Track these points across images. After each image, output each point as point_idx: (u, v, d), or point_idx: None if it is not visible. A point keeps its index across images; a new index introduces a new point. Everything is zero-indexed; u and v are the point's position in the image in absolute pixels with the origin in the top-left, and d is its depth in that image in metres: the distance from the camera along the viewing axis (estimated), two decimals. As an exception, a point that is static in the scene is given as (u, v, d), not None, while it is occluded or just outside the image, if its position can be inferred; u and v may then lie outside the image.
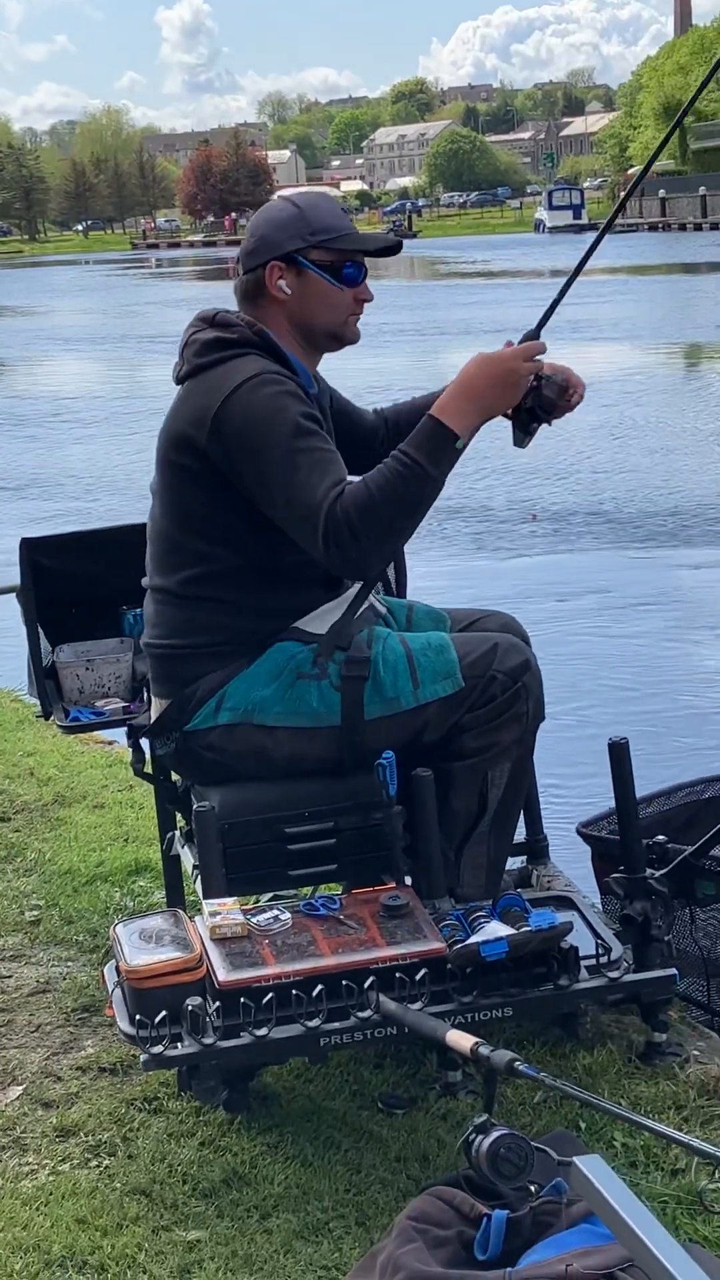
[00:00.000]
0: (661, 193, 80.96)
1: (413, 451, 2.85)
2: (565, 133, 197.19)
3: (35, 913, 3.97)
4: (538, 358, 2.94)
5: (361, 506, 2.82)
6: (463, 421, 2.87)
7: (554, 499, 12.42)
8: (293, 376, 2.98)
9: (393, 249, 3.14)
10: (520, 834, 3.43)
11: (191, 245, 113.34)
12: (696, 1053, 3.04)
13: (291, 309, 3.06)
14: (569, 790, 5.39)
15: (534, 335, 2.98)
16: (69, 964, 3.66)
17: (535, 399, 2.96)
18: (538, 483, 13.06)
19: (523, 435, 3.00)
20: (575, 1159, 1.56)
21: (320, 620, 3.04)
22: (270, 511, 2.92)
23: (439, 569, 9.84)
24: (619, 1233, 1.33)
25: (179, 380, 3.07)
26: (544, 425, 3.01)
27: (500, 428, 3.02)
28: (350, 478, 2.90)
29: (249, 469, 2.90)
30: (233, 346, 2.99)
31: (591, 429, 15.31)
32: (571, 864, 3.56)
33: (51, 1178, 2.75)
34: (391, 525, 2.86)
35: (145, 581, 3.13)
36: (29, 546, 3.61)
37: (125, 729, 3.56)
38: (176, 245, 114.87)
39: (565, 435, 14.09)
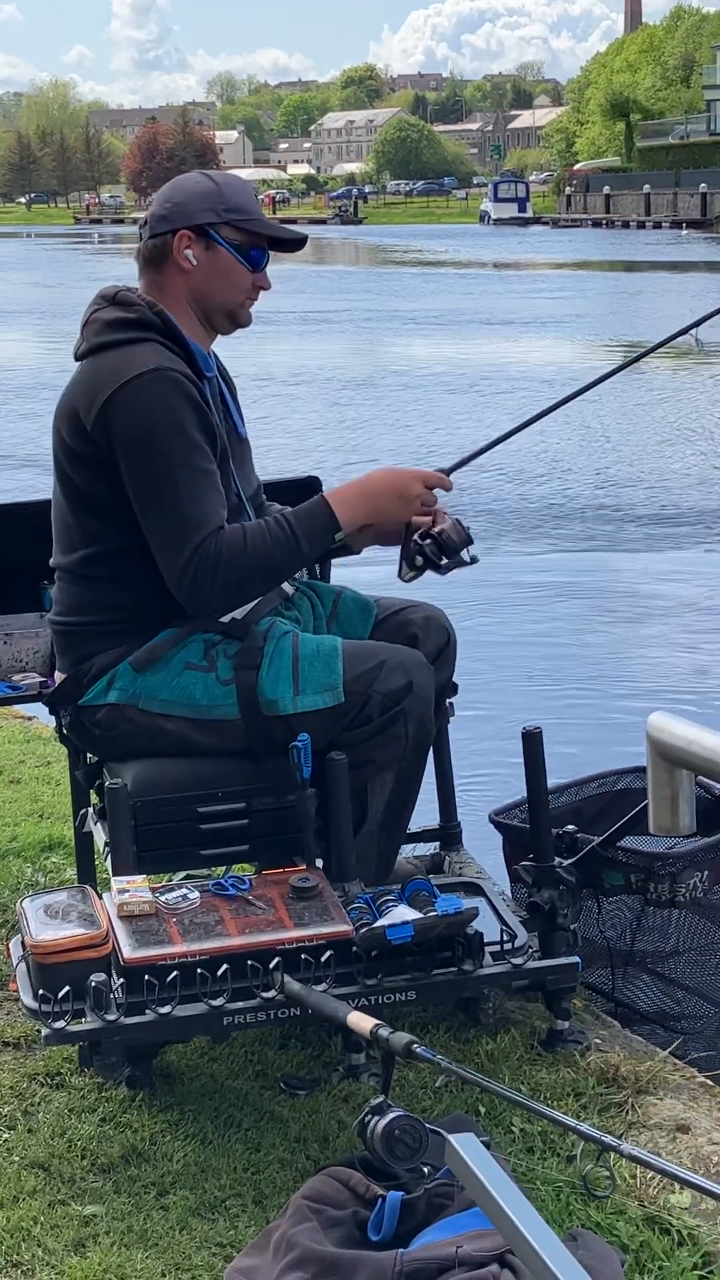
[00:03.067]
0: (606, 189, 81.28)
1: (296, 525, 2.96)
2: (513, 125, 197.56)
3: (-54, 886, 3.95)
4: (438, 492, 3.07)
5: (233, 554, 2.89)
6: (349, 514, 3.00)
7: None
8: (191, 376, 2.97)
9: (298, 244, 3.19)
10: (435, 819, 3.46)
11: (135, 222, 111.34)
12: (598, 1041, 3.07)
13: (194, 281, 3.06)
14: (489, 776, 5.41)
15: (446, 472, 3.14)
16: (-23, 938, 3.63)
17: (439, 535, 3.05)
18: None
19: (409, 570, 3.11)
20: (448, 1134, 1.57)
21: None
22: (139, 511, 2.93)
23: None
24: (474, 1194, 1.34)
25: (78, 357, 3.06)
26: (433, 571, 3.10)
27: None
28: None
29: (130, 466, 2.91)
30: (133, 327, 2.99)
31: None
32: (488, 851, 3.58)
33: (-51, 1151, 2.74)
34: (249, 582, 2.95)
35: (52, 561, 3.13)
36: (-51, 519, 3.58)
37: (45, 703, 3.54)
38: (120, 221, 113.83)
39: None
